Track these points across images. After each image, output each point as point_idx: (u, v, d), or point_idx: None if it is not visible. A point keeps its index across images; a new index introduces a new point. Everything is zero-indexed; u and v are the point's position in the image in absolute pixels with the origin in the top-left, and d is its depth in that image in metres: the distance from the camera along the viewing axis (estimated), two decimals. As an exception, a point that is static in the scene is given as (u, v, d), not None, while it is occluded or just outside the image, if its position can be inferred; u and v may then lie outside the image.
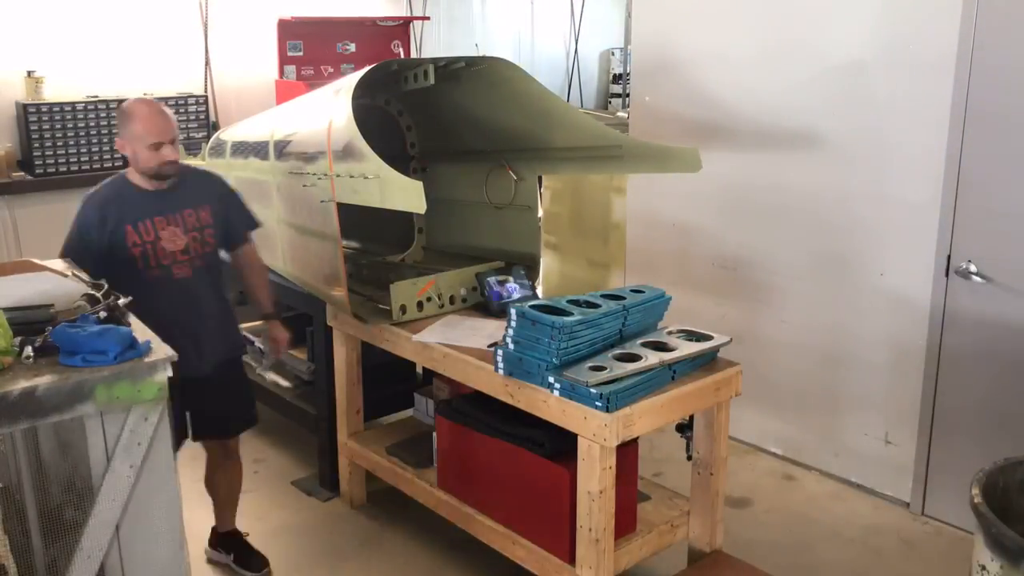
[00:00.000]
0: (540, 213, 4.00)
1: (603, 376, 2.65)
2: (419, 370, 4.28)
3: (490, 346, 3.07)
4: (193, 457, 4.32)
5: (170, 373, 2.28)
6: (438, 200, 3.99)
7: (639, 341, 2.93)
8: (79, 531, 2.25)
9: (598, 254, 5.29)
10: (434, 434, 3.50)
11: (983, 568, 2.38)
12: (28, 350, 2.25)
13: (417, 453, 3.58)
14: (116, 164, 5.79)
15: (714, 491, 3.10)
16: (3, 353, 2.21)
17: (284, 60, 6.27)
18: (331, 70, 6.43)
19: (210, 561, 3.53)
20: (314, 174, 3.32)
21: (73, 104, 5.60)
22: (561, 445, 2.89)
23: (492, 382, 3.01)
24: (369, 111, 4.00)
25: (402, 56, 6.75)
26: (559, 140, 3.67)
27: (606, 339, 2.89)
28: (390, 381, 4.12)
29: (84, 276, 2.65)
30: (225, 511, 3.53)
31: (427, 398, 3.88)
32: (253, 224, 3.41)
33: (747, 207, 4.25)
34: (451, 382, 3.45)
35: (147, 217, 3.03)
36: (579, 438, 2.71)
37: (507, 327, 2.84)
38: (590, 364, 2.75)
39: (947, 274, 3.58)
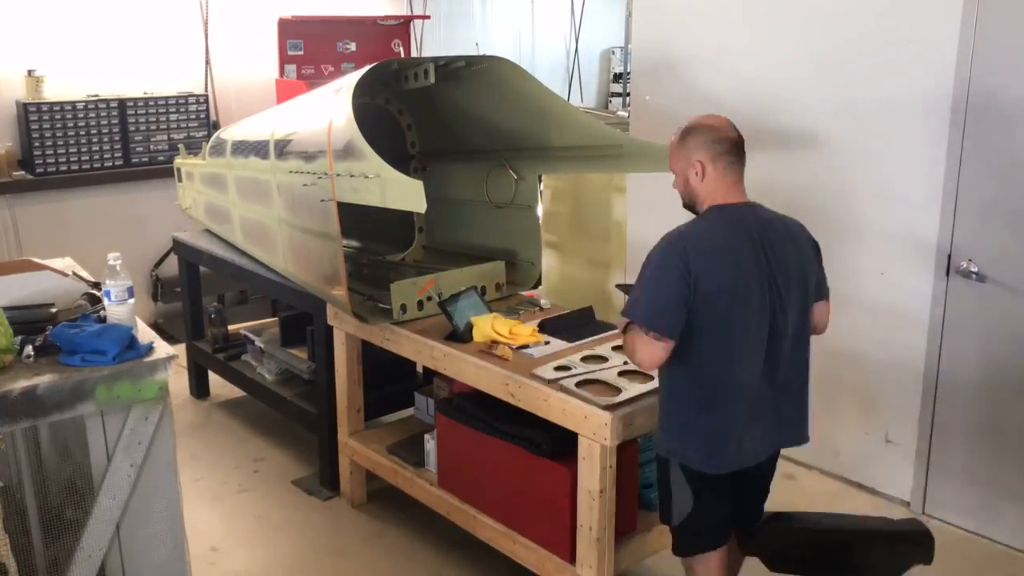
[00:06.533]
0: (540, 212, 4.00)
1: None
2: (419, 369, 4.28)
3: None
4: (193, 456, 4.34)
5: (170, 372, 2.28)
6: (438, 199, 3.99)
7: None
8: (80, 530, 2.26)
9: (599, 253, 5.29)
10: (426, 435, 3.52)
11: None
12: (28, 349, 2.25)
13: (417, 452, 3.57)
14: (116, 164, 5.81)
15: (714, 490, 3.09)
16: (4, 352, 2.21)
17: (284, 59, 6.26)
18: (331, 69, 6.43)
19: None
20: (314, 173, 3.32)
21: (73, 103, 5.60)
22: (561, 444, 2.89)
23: (493, 381, 3.01)
24: (369, 110, 4.00)
25: (402, 55, 6.74)
26: (559, 139, 3.67)
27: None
28: (390, 380, 4.12)
29: (85, 275, 2.66)
30: None
31: (427, 397, 3.88)
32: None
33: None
34: (451, 381, 3.45)
35: None
36: (579, 437, 2.71)
37: None
38: (555, 364, 2.72)
39: (947, 273, 3.58)
